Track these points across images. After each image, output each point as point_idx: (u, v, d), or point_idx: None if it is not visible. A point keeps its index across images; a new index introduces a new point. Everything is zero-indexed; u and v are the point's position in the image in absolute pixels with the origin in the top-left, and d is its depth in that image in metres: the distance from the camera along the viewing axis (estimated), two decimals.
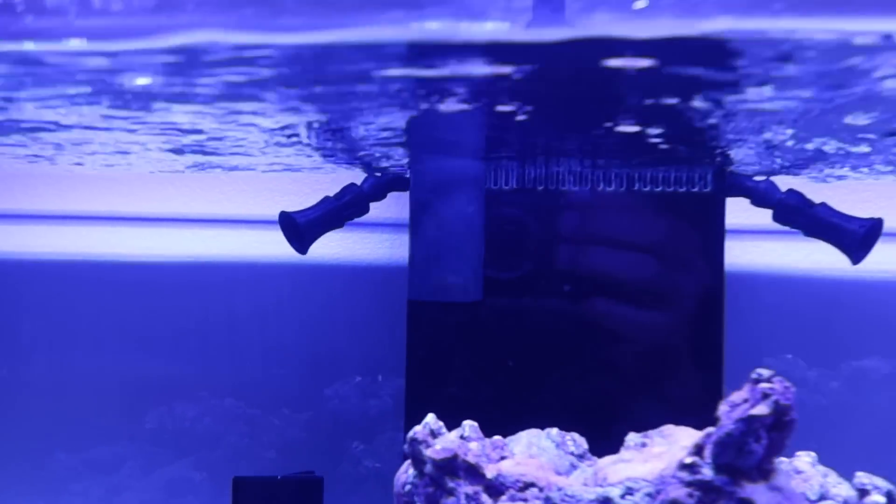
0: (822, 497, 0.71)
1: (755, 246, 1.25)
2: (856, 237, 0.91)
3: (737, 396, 0.64)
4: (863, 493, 0.63)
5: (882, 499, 0.61)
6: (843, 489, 0.73)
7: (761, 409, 0.60)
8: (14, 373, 1.44)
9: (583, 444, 0.83)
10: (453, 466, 0.70)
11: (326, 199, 1.05)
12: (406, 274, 1.33)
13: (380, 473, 1.37)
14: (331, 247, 1.41)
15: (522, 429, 0.83)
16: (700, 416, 0.79)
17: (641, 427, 0.80)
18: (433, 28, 0.56)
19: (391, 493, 1.45)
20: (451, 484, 0.69)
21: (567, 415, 0.94)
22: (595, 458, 0.82)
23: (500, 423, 0.82)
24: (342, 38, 0.58)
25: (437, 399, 1.00)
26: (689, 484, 0.62)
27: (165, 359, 1.43)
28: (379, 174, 1.07)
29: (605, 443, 0.82)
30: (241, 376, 1.46)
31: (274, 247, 1.39)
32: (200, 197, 1.39)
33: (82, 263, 1.41)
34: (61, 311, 1.42)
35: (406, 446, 0.73)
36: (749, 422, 0.60)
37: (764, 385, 0.61)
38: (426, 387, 1.00)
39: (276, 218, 1.10)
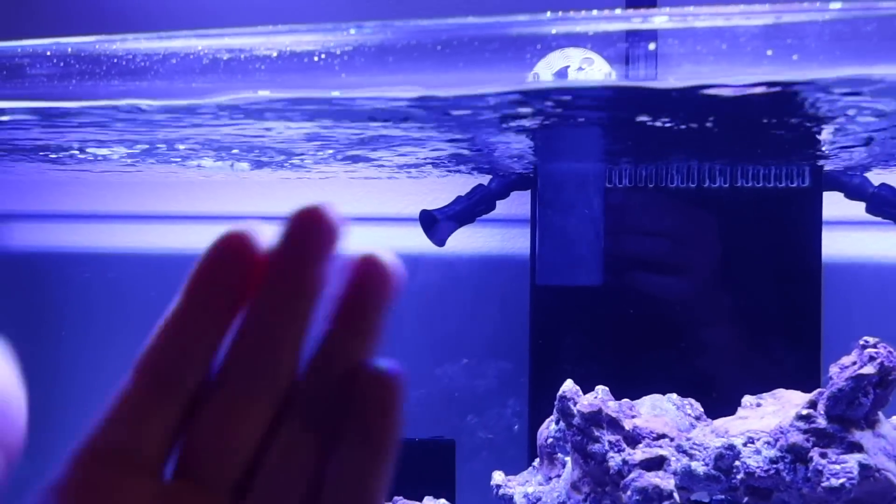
0: None
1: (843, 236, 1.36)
2: None
3: (846, 360, 0.76)
4: None
5: None
6: None
7: (868, 369, 0.72)
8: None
9: (699, 407, 0.96)
10: (598, 419, 0.84)
11: (459, 198, 1.19)
12: (518, 264, 1.47)
13: (493, 443, 1.51)
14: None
15: (636, 398, 0.96)
16: (800, 390, 0.91)
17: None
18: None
19: (503, 459, 1.59)
20: (596, 433, 0.83)
21: (677, 388, 1.05)
22: (710, 419, 0.95)
23: (616, 394, 0.95)
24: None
25: (560, 371, 1.13)
26: (805, 431, 0.75)
27: None
28: (503, 175, 1.21)
29: (716, 411, 0.95)
30: None
31: (399, 242, 1.55)
32: (331, 199, 1.55)
33: None
34: None
35: (556, 403, 0.87)
36: (858, 379, 0.72)
37: (870, 350, 0.74)
38: (550, 361, 1.14)
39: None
